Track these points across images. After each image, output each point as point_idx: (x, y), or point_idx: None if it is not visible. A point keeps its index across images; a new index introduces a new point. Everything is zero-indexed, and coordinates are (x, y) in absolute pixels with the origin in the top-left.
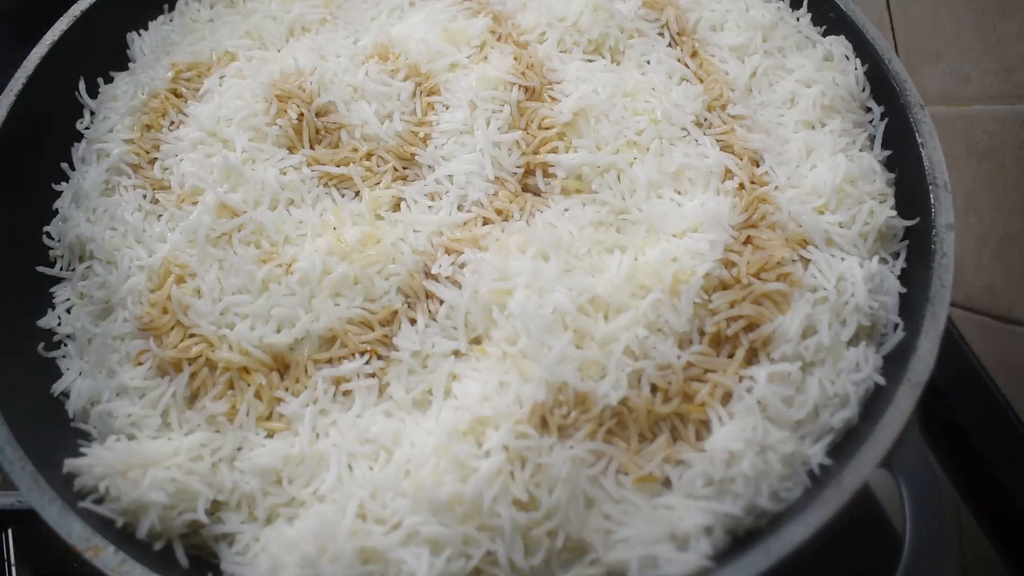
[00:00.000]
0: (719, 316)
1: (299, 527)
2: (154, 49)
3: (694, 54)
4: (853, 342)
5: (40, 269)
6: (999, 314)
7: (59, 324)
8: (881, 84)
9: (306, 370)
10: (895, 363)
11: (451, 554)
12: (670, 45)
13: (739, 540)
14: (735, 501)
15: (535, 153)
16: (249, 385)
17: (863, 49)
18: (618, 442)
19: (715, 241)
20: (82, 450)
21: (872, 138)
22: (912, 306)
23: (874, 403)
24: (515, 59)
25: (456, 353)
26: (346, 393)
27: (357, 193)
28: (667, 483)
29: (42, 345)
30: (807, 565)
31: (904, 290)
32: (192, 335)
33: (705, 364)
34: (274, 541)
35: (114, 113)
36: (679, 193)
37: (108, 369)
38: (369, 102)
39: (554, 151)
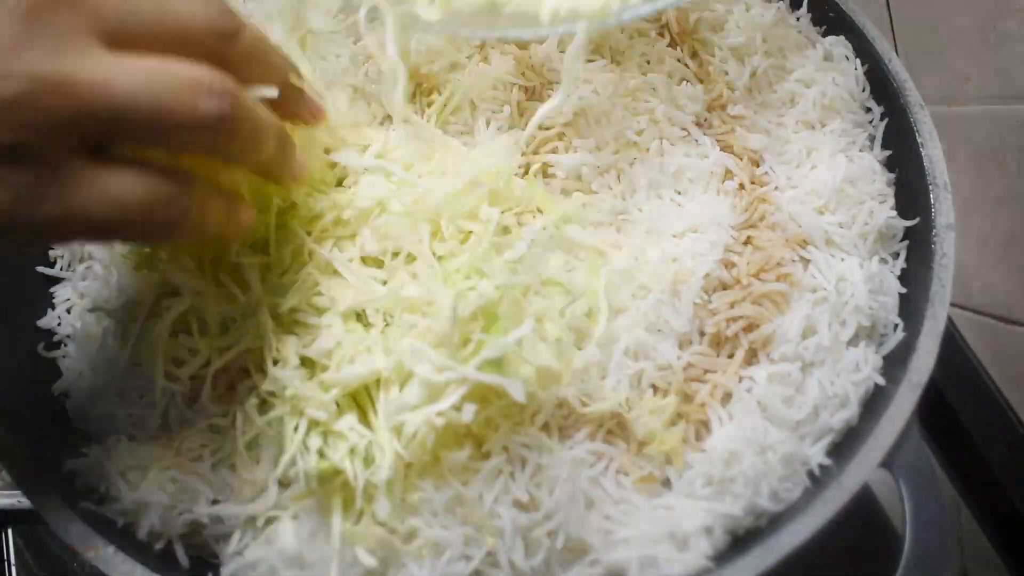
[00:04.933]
0: (719, 316)
1: (299, 528)
2: None
3: (694, 54)
4: (853, 342)
5: (40, 269)
6: (999, 314)
7: (59, 324)
8: (881, 84)
9: None
10: (895, 363)
11: (451, 556)
12: (670, 45)
13: (739, 540)
14: (735, 501)
15: (535, 153)
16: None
17: (863, 49)
18: (618, 442)
19: (715, 241)
20: (82, 450)
21: (872, 138)
22: (912, 306)
23: (874, 403)
24: (515, 59)
25: None
26: None
27: None
28: (667, 483)
29: (42, 345)
30: (807, 565)
31: (904, 290)
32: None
33: (705, 364)
34: (274, 541)
35: None
36: (679, 193)
37: (108, 369)
38: (369, 103)
39: (554, 151)
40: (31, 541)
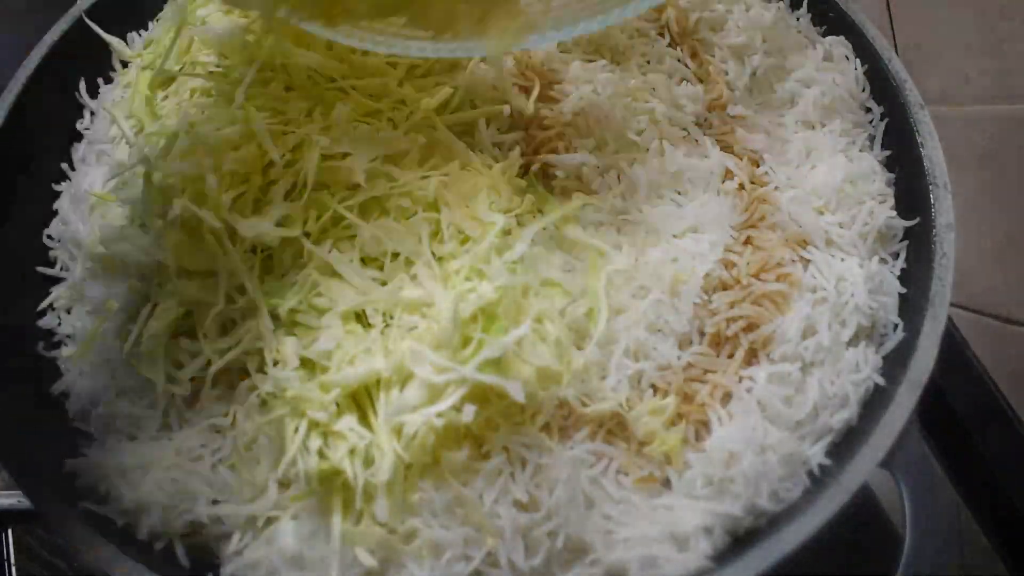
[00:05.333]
0: (719, 316)
1: (299, 528)
2: None
3: (694, 54)
4: (853, 342)
5: (40, 269)
6: (999, 314)
7: (59, 324)
8: (881, 84)
9: None
10: (895, 363)
11: (451, 556)
12: (670, 45)
13: (739, 540)
14: (735, 501)
15: (535, 153)
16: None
17: (863, 49)
18: (618, 443)
19: (715, 241)
20: (82, 450)
21: (872, 138)
22: (912, 306)
23: (874, 403)
24: (515, 59)
25: None
26: None
27: None
28: (667, 483)
29: (42, 345)
30: (807, 565)
31: (904, 290)
32: None
33: (705, 364)
34: (274, 542)
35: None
36: (679, 193)
37: (108, 369)
38: None
39: (554, 151)
40: (31, 541)
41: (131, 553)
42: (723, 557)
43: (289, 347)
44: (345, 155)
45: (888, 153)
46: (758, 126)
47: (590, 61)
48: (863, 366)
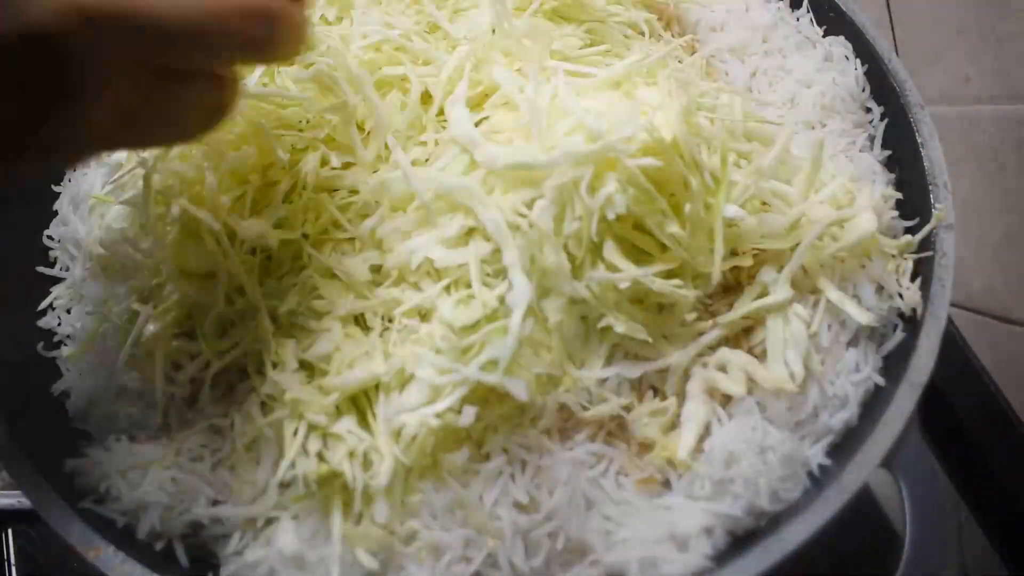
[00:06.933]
0: (719, 317)
1: (299, 529)
2: None
3: (693, 54)
4: (853, 342)
5: (40, 269)
6: (999, 314)
7: (59, 324)
8: (881, 84)
9: None
10: (895, 363)
11: (451, 558)
12: None
13: (739, 540)
14: (735, 502)
15: None
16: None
17: (863, 49)
18: (618, 444)
19: None
20: (82, 450)
21: (872, 138)
22: None
23: (874, 403)
24: None
25: None
26: None
27: None
28: (667, 484)
29: (42, 345)
30: (807, 565)
31: None
32: None
33: None
34: (274, 542)
35: None
36: None
37: (108, 369)
38: None
39: None
40: (31, 541)
41: (131, 553)
42: (723, 557)
43: (288, 349)
44: (347, 164)
45: (888, 153)
46: None
47: None
48: (863, 366)
